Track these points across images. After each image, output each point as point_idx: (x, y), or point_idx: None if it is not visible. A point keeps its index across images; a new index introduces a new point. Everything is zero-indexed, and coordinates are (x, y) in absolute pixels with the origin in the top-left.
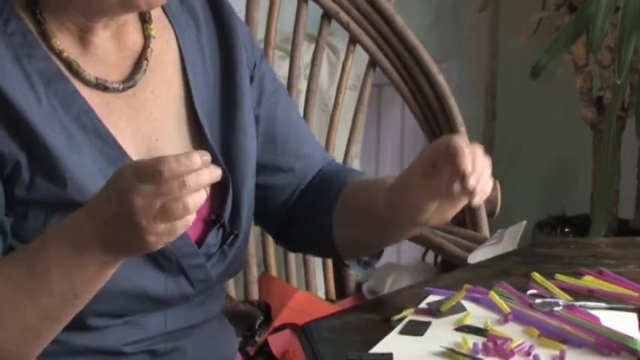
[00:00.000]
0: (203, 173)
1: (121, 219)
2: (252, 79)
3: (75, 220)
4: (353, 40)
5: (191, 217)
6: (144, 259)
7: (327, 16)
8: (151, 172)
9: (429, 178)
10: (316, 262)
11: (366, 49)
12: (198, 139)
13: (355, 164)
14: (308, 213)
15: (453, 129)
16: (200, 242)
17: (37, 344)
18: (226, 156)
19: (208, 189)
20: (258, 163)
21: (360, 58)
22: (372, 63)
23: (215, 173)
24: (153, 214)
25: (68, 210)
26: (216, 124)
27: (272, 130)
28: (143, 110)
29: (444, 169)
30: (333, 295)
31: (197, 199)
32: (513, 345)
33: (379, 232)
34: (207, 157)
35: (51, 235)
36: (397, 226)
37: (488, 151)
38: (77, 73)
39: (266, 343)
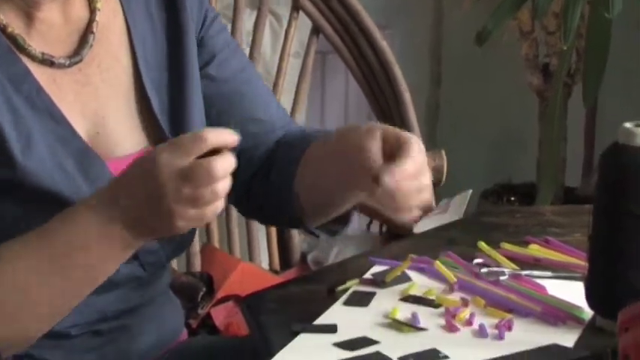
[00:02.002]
0: (226, 158)
1: (151, 203)
2: (200, 40)
3: (100, 201)
4: (296, 7)
5: (220, 204)
6: None
7: None
8: (185, 144)
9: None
10: (260, 232)
11: (309, 15)
12: (147, 114)
13: None
14: (271, 181)
15: (397, 96)
16: None
17: (50, 326)
18: (176, 131)
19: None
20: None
21: (303, 24)
22: (316, 30)
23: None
24: (182, 199)
25: (19, 193)
26: (165, 97)
27: (221, 92)
28: (89, 86)
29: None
30: (277, 265)
31: (225, 185)
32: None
33: (334, 191)
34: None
35: (75, 217)
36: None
37: (433, 118)
38: (23, 49)
39: (209, 316)
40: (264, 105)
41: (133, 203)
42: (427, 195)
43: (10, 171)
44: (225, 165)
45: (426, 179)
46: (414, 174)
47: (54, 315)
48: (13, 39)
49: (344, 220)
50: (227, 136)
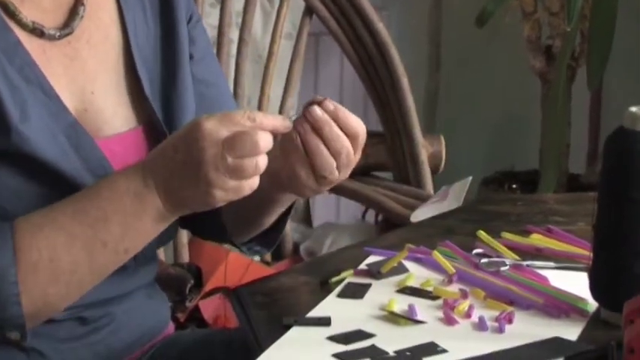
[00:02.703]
0: (268, 134)
1: (189, 169)
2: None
3: (136, 170)
4: None
5: (257, 179)
6: None
7: None
8: (235, 119)
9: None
10: None
11: None
12: (137, 93)
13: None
14: None
15: (394, 80)
16: None
17: (74, 298)
18: (166, 113)
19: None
20: None
21: (295, 5)
22: (309, 10)
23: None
24: (224, 168)
25: (15, 163)
26: (157, 79)
27: (196, 92)
28: (78, 60)
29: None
30: (268, 257)
31: (265, 161)
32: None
33: (259, 204)
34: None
35: (108, 185)
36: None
37: (433, 103)
38: (14, 15)
39: (197, 309)
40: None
41: (170, 170)
42: (347, 164)
43: (7, 138)
44: (268, 140)
45: (355, 151)
46: (354, 125)
47: (83, 285)
48: (4, 5)
49: (270, 241)
50: (278, 122)
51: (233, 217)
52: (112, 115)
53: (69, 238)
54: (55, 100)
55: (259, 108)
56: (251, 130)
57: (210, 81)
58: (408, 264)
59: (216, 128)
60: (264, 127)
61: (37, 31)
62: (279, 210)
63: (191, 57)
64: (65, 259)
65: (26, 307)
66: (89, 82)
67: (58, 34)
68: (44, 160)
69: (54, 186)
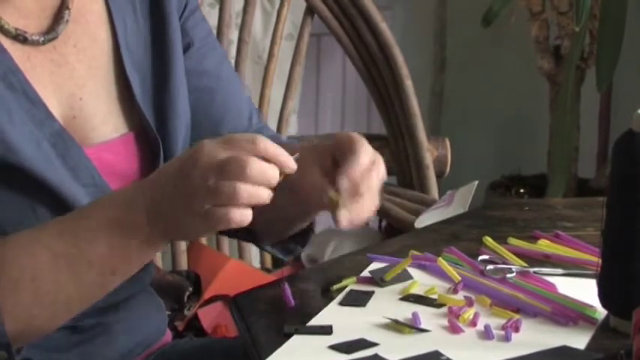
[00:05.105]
0: (269, 166)
1: (178, 196)
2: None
3: (134, 189)
4: None
5: (247, 212)
6: None
7: None
8: (239, 142)
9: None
10: None
11: None
12: (127, 98)
13: (293, 121)
14: None
15: (397, 82)
16: None
17: (63, 320)
18: (158, 117)
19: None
20: None
21: (296, 4)
22: (310, 10)
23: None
24: (205, 189)
25: (4, 171)
26: (148, 82)
27: (192, 85)
28: (66, 66)
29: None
30: (268, 263)
31: (257, 192)
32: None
33: (289, 207)
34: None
35: (98, 207)
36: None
37: (438, 105)
38: None
39: (196, 317)
40: (236, 109)
41: (163, 191)
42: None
43: None
44: (264, 170)
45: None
46: (367, 164)
47: (71, 306)
48: None
49: (302, 239)
50: (283, 157)
51: (261, 224)
52: (101, 121)
53: (53, 257)
54: (41, 107)
55: (259, 110)
56: (242, 154)
57: (209, 71)
58: (412, 271)
59: (213, 148)
60: (265, 153)
61: (20, 38)
62: (306, 222)
63: (188, 48)
64: (48, 278)
65: (9, 326)
66: (78, 87)
67: (42, 39)
68: (29, 169)
69: (40, 196)
